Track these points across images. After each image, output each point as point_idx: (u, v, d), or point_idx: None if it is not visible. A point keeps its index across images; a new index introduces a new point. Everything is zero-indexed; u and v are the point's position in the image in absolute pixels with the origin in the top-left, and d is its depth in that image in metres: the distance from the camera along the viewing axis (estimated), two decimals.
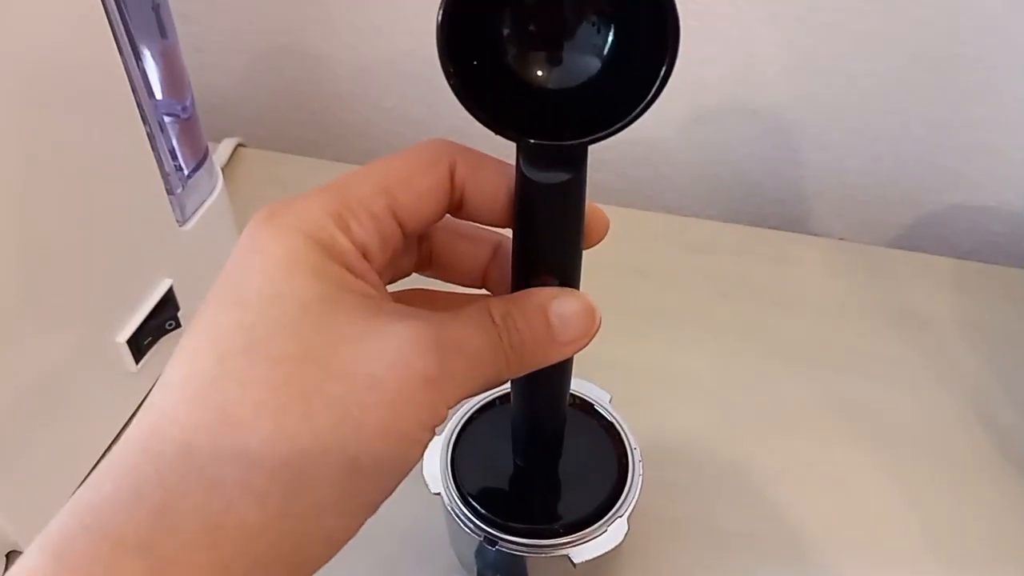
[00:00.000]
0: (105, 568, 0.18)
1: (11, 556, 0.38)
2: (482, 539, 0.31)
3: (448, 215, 0.24)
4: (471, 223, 0.25)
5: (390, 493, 0.21)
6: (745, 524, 0.40)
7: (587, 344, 0.24)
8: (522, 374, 0.24)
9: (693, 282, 0.53)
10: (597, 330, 0.24)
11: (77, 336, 0.40)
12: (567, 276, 0.24)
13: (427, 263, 0.26)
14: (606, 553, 0.31)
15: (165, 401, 0.20)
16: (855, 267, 0.54)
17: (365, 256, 0.22)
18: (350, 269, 0.21)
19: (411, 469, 0.21)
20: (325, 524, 0.20)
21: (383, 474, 0.21)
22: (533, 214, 0.22)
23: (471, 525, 0.32)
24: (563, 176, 0.21)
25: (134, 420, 0.20)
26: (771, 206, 0.61)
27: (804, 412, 0.45)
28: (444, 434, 0.34)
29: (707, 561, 0.39)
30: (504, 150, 0.22)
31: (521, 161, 0.21)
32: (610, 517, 0.32)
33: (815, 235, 0.57)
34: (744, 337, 0.49)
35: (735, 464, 0.43)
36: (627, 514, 0.32)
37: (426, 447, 0.21)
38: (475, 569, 0.34)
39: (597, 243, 0.25)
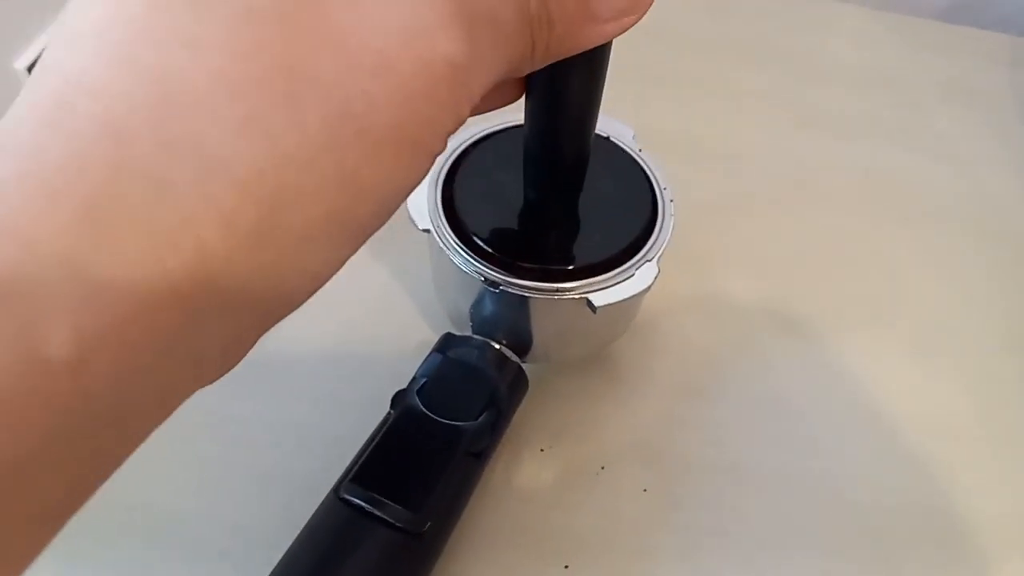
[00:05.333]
0: (14, 283, 0.12)
1: None
2: (483, 281, 0.25)
3: None
4: None
5: (387, 219, 0.16)
6: (772, 297, 0.35)
7: (635, 23, 0.18)
8: (549, 62, 0.18)
9: (713, 46, 0.45)
10: (650, 5, 0.18)
11: None
12: None
13: None
14: (631, 298, 0.26)
15: (71, 59, 0.13)
16: (895, 39, 0.47)
17: None
18: None
19: (414, 190, 0.16)
20: (311, 256, 0.14)
21: (385, 194, 0.15)
22: None
23: (468, 266, 0.26)
24: None
25: (26, 85, 0.13)
26: None
27: (841, 185, 0.40)
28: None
29: (727, 334, 0.34)
30: None
31: None
32: (639, 259, 0.26)
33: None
34: (771, 106, 0.43)
35: (761, 235, 0.37)
36: (657, 257, 0.26)
37: (433, 163, 0.16)
38: (470, 324, 0.29)
39: None
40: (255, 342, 0.15)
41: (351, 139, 0.14)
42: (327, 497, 0.24)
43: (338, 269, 0.15)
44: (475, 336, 0.28)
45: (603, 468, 0.29)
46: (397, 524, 0.23)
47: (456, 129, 0.16)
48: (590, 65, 0.21)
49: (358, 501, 0.23)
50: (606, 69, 0.22)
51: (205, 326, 0.13)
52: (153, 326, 0.12)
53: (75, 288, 0.12)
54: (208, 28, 0.13)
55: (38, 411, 0.12)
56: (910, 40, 0.47)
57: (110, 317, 0.12)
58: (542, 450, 0.29)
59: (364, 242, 0.16)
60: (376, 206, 0.15)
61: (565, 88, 0.22)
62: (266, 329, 0.15)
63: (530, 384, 0.28)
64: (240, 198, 0.13)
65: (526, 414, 0.29)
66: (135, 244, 0.12)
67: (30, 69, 0.34)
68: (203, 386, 0.15)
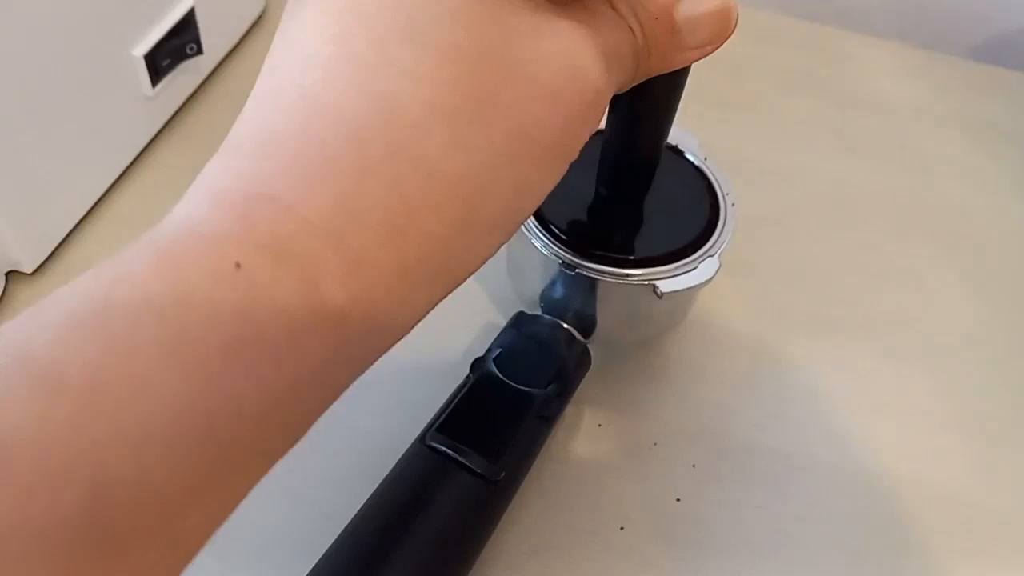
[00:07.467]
0: (297, 248, 0.15)
1: (10, 276, 0.35)
2: (560, 264, 0.28)
3: None
4: None
5: (528, 217, 0.19)
6: (813, 308, 0.38)
7: (715, 50, 0.21)
8: (641, 80, 0.21)
9: (761, 73, 0.48)
10: (732, 31, 0.20)
11: (92, 45, 0.35)
12: None
13: None
14: (694, 287, 0.28)
15: (308, 77, 0.16)
16: (928, 74, 0.50)
17: None
18: None
19: None
20: (488, 243, 0.18)
21: (541, 193, 0.19)
22: None
23: (548, 249, 0.29)
24: None
25: (259, 85, 0.16)
26: (831, 15, 0.56)
27: (878, 207, 0.43)
28: None
29: (770, 337, 0.36)
30: None
31: None
32: (702, 254, 0.29)
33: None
34: (812, 131, 0.46)
35: (802, 252, 0.40)
36: (719, 253, 0.29)
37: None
38: (540, 305, 0.32)
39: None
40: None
41: (525, 152, 0.17)
42: (413, 444, 0.27)
43: (493, 255, 0.19)
44: (545, 315, 0.31)
45: (655, 444, 0.31)
46: (476, 470, 0.26)
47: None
48: (671, 83, 0.25)
49: (443, 448, 0.26)
50: (683, 87, 0.25)
51: (420, 295, 0.17)
52: (389, 292, 0.16)
53: (340, 257, 0.15)
54: (421, 64, 0.16)
55: (316, 344, 0.15)
56: (940, 76, 0.50)
57: (365, 284, 0.15)
58: (599, 425, 0.32)
59: (515, 232, 0.19)
60: (534, 203, 0.19)
61: (648, 101, 0.25)
62: (445, 296, 0.18)
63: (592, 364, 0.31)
64: (450, 197, 0.16)
65: (586, 391, 0.32)
66: (380, 230, 0.15)
67: (146, 57, 0.37)
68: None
